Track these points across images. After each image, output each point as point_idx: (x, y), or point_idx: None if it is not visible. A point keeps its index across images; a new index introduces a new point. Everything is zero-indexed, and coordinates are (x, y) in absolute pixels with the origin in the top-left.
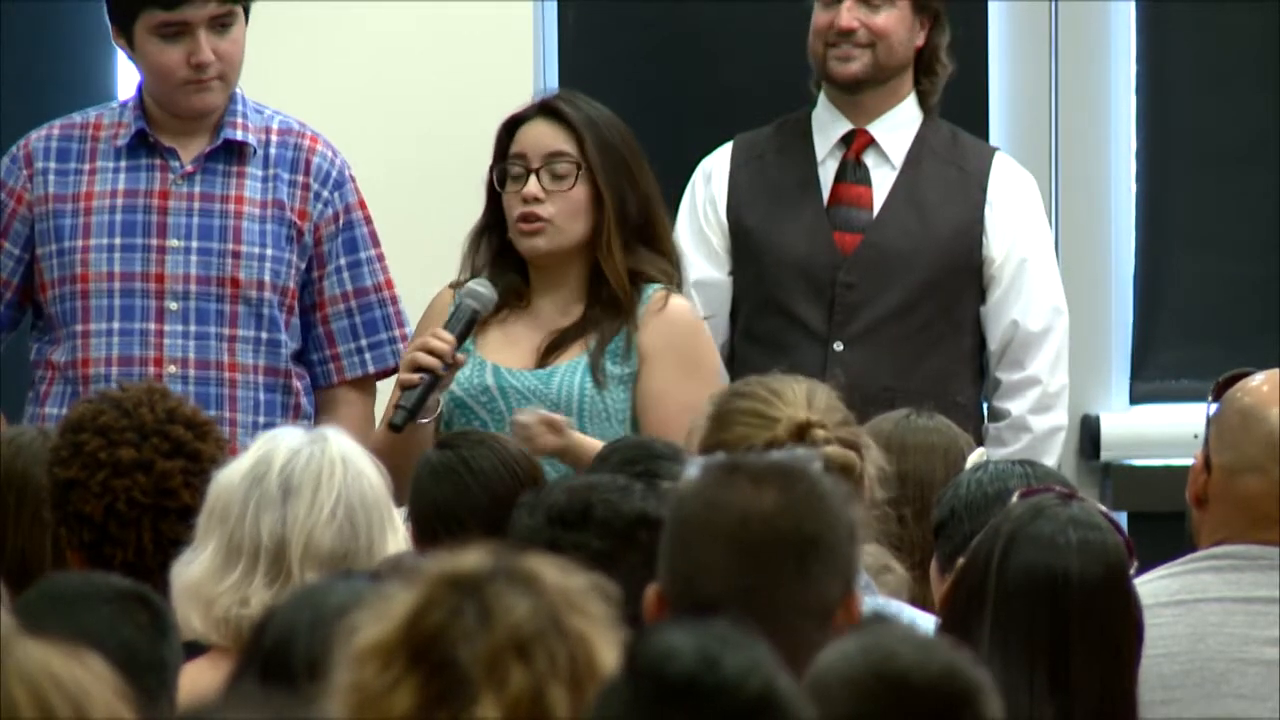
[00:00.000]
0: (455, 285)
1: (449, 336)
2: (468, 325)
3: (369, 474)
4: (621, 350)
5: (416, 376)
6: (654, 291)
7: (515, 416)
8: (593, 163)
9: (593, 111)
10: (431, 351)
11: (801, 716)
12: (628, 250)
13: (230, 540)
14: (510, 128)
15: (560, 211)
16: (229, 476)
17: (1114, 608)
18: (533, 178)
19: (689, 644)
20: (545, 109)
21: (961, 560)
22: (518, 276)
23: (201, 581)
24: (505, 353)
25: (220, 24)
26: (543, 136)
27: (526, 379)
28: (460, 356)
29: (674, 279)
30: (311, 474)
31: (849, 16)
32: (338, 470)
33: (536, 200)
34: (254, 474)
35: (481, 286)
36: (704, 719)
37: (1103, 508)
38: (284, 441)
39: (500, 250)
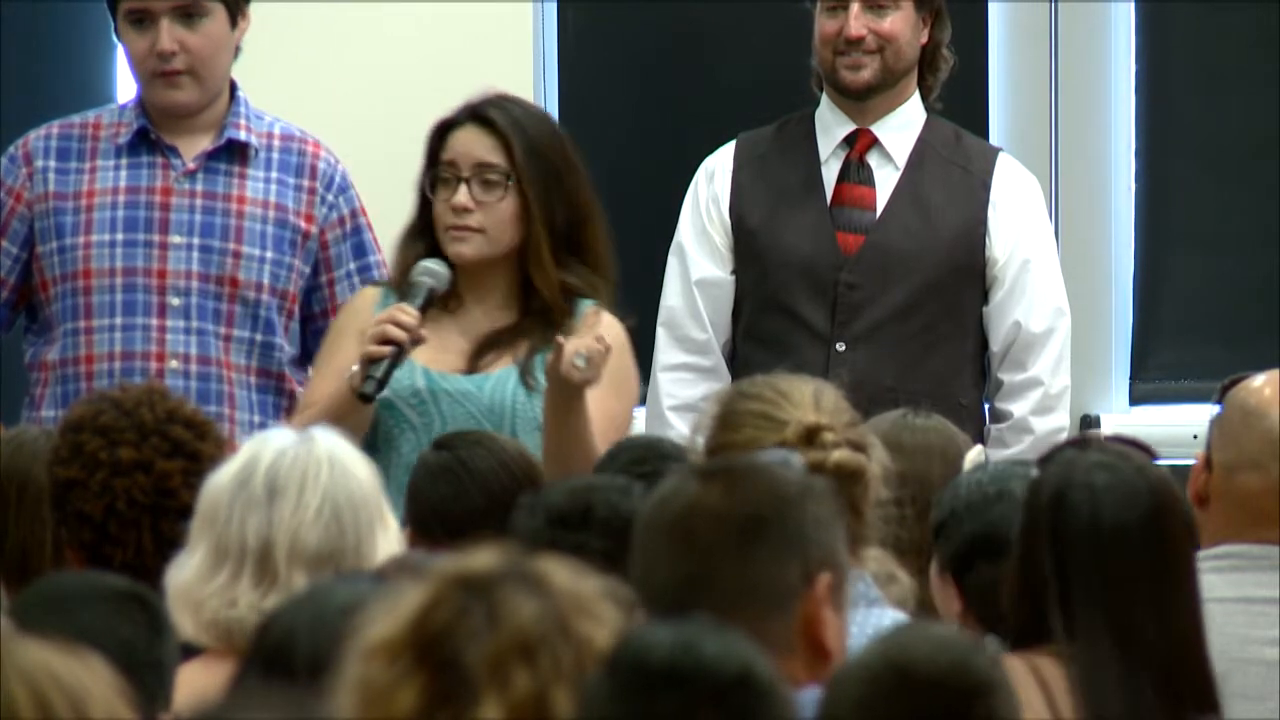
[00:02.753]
0: (379, 284)
1: (414, 310)
2: (426, 301)
3: (358, 472)
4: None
5: (386, 349)
6: (587, 308)
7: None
8: (521, 174)
9: (524, 118)
10: (399, 325)
11: (781, 697)
12: (558, 262)
13: (219, 543)
14: (442, 132)
15: (489, 222)
16: (218, 479)
17: (1152, 549)
18: (463, 187)
19: (666, 634)
20: (476, 115)
21: (1016, 553)
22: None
23: (191, 584)
24: (434, 356)
25: (185, 14)
26: (473, 145)
27: (458, 382)
28: (423, 332)
29: (602, 292)
30: (297, 474)
31: (858, 25)
32: (324, 469)
33: (466, 210)
34: (240, 476)
35: (436, 264)
36: (686, 702)
37: (1128, 437)
38: (272, 442)
39: (429, 254)
